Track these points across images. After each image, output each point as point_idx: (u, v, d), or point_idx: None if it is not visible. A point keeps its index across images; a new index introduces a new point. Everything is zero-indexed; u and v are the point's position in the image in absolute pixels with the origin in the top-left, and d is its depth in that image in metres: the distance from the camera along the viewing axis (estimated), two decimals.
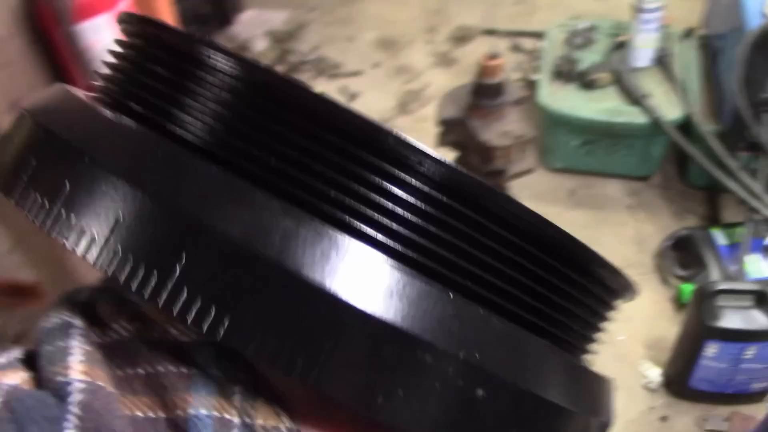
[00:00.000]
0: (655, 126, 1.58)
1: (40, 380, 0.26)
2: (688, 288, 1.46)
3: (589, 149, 1.71)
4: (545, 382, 0.27)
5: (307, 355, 0.23)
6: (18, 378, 0.26)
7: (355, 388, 0.24)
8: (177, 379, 0.26)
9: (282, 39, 2.34)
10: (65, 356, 0.26)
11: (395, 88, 2.11)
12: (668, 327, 1.43)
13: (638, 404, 1.40)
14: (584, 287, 0.30)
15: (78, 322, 0.28)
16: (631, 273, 0.32)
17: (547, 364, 0.28)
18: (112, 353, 0.27)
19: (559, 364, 0.29)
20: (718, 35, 1.68)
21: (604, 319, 0.33)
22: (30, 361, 0.28)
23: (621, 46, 1.74)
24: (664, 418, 1.37)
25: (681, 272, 1.53)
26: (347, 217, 0.25)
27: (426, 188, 0.26)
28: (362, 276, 0.24)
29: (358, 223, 0.25)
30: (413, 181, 0.26)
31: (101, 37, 1.03)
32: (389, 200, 0.26)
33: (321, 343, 0.23)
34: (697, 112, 1.58)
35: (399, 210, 0.26)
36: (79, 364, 0.26)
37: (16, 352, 0.28)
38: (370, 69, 2.20)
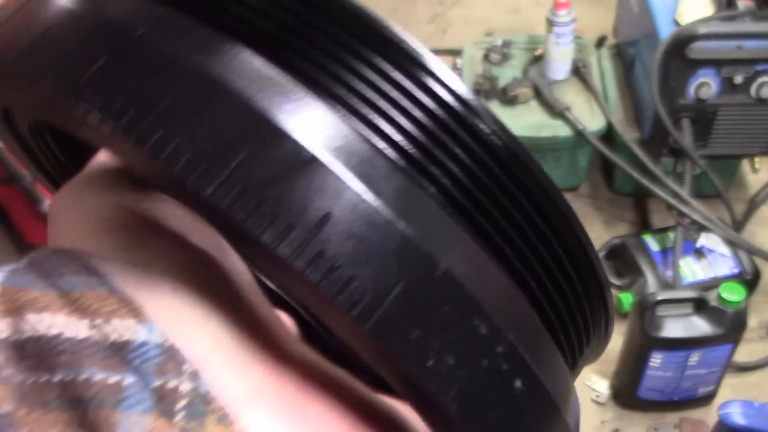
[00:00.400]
0: (580, 138, 1.59)
1: None
2: (627, 297, 1.46)
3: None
4: (560, 388, 0.26)
5: (373, 293, 0.21)
6: None
7: (411, 343, 0.21)
8: (104, 390, 0.20)
9: None
10: None
11: None
12: (612, 338, 1.43)
13: (590, 419, 1.39)
14: (585, 310, 0.29)
15: None
16: None
17: (562, 372, 0.27)
18: (23, 354, 0.21)
19: (567, 376, 0.28)
20: (630, 42, 1.71)
21: (585, 348, 0.32)
22: None
23: (538, 60, 1.75)
24: (616, 431, 1.37)
25: (617, 281, 1.54)
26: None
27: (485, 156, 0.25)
28: (439, 231, 0.22)
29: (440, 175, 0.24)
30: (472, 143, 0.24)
31: None
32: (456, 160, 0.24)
33: (388, 284, 0.21)
34: (618, 121, 1.60)
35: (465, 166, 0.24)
36: None
37: None
38: None
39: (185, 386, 0.21)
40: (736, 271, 1.47)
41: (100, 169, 0.29)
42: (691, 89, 1.44)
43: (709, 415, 1.34)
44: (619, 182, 1.71)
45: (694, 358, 1.24)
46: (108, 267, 0.23)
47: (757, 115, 1.46)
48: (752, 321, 1.32)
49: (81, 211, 0.27)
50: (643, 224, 1.67)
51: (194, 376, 0.22)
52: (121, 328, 0.21)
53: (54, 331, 0.21)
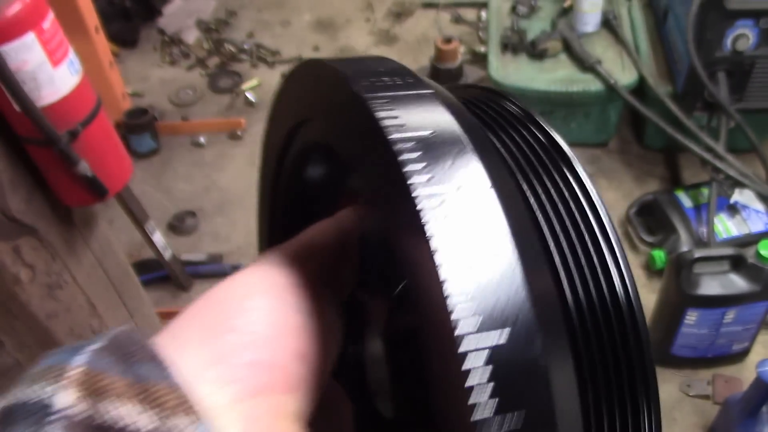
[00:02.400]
0: (611, 92, 1.56)
1: None
2: (659, 254, 1.45)
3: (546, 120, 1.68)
4: None
5: None
6: None
7: None
8: None
9: (214, 28, 2.24)
10: None
11: None
12: (644, 295, 1.42)
13: None
14: None
15: (63, 399, 0.20)
16: None
17: None
18: None
19: None
20: None
21: None
22: None
23: (567, 12, 1.71)
24: None
25: (649, 238, 1.52)
26: None
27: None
28: None
29: None
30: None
31: (30, 56, 0.95)
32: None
33: None
34: (650, 74, 1.56)
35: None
36: None
37: None
38: (310, 53, 2.12)
39: None
40: None
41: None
42: (728, 41, 1.40)
43: (742, 371, 1.34)
44: (650, 137, 1.69)
45: (730, 315, 1.23)
46: (177, 359, 0.23)
47: None
48: None
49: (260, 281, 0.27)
50: (674, 180, 1.65)
51: None
52: (181, 425, 0.22)
53: (124, 422, 0.21)
